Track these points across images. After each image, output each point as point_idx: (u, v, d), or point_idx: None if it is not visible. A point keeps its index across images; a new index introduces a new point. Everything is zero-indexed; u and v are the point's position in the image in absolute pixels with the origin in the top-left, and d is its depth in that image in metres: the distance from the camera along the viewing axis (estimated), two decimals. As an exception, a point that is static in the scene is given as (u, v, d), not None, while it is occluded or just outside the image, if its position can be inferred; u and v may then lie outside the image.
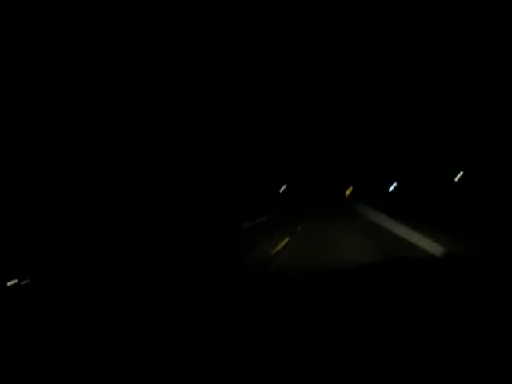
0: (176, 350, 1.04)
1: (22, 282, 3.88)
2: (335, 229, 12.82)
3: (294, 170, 56.43)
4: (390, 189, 44.23)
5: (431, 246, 7.10)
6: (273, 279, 2.24)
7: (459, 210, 18.65)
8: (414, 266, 2.12)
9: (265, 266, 6.08)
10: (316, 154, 57.35)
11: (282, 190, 54.77)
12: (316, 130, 52.91)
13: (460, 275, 1.71)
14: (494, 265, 1.89)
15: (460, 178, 39.26)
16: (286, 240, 9.56)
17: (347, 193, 55.72)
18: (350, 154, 55.88)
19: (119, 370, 0.96)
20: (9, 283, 3.73)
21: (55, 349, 1.06)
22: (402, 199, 31.85)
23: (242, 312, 1.32)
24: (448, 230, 9.73)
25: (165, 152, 14.36)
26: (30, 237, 6.03)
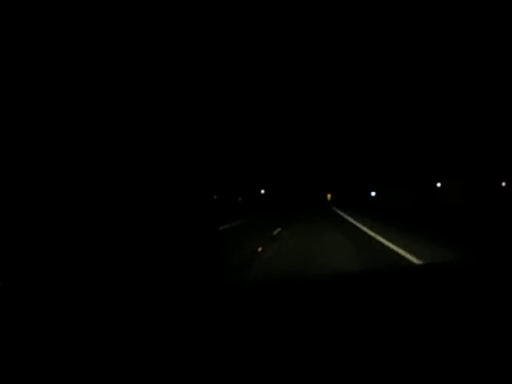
0: (166, 351, 1.06)
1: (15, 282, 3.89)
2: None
3: (275, 176, 56.58)
4: (373, 194, 44.94)
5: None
6: (255, 284, 2.32)
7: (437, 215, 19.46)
8: (397, 275, 2.16)
9: (247, 264, 6.12)
10: (297, 160, 57.77)
11: (262, 192, 54.71)
12: (299, 136, 53.32)
13: (440, 282, 1.77)
14: (474, 272, 1.94)
15: (441, 186, 40.42)
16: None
17: (328, 198, 56.28)
18: (332, 161, 56.62)
19: (117, 370, 0.98)
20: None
21: (54, 348, 1.07)
22: (383, 205, 32.35)
23: (226, 317, 1.34)
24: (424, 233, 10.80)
25: (147, 154, 14.28)
26: (29, 236, 6.02)
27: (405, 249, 7.28)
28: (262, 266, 5.85)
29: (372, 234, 10.58)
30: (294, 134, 53.20)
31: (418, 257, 6.38)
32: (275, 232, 11.14)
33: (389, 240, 8.80)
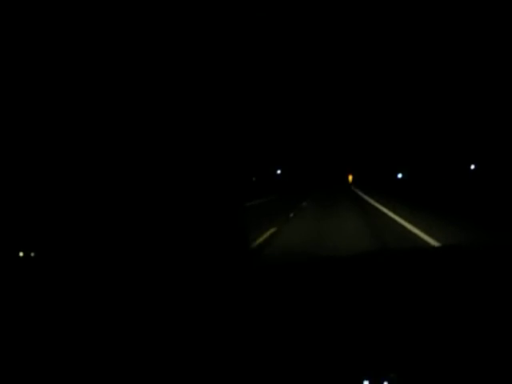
0: (174, 346, 1.07)
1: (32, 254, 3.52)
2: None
3: (292, 155, 55.16)
4: (399, 176, 43.09)
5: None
6: (272, 267, 2.27)
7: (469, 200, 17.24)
8: (410, 257, 2.16)
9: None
10: (316, 139, 56.35)
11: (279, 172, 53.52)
12: (319, 112, 52.03)
13: (456, 267, 1.75)
14: (492, 258, 1.87)
15: (474, 169, 38.90)
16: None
17: (350, 180, 53.92)
18: (354, 141, 54.96)
19: (118, 369, 1.00)
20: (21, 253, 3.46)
21: (54, 348, 1.07)
22: (411, 187, 30.39)
23: (246, 303, 1.35)
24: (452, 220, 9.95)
25: (164, 140, 14.40)
26: (28, 236, 5.97)
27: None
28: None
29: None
30: (313, 110, 51.87)
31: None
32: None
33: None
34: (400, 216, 10.15)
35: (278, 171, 53.70)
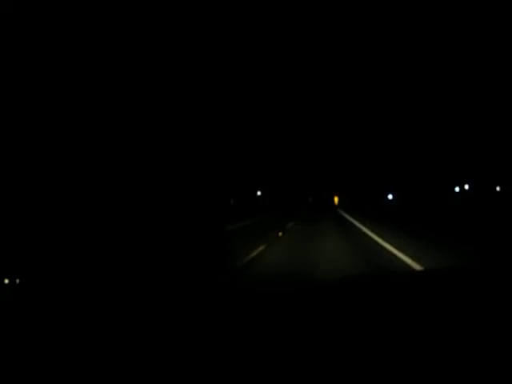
0: (168, 352, 1.15)
1: (17, 281, 3.85)
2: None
3: (273, 175, 54.66)
4: (390, 197, 42.96)
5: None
6: (260, 284, 2.57)
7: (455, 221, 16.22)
8: (399, 280, 2.29)
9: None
10: (298, 159, 56.14)
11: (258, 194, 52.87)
12: (300, 131, 52.14)
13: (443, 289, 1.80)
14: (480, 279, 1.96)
15: (461, 190, 39.65)
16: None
17: (335, 201, 53.09)
18: (339, 160, 54.78)
19: (117, 370, 1.06)
20: (6, 281, 3.72)
21: (54, 348, 1.16)
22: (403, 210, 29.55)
23: (233, 317, 1.44)
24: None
25: (151, 155, 14.36)
26: (28, 236, 6.35)
27: None
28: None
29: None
30: (294, 128, 51.92)
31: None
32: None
33: None
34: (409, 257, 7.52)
35: (258, 193, 52.88)
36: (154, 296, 1.77)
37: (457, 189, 37.96)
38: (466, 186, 35.69)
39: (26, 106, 8.12)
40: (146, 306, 1.56)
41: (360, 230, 14.35)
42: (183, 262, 6.74)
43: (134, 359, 1.07)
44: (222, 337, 1.22)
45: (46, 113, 8.67)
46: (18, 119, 7.76)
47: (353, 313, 1.44)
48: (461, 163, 33.06)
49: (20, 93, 7.93)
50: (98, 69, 9.89)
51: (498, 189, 33.04)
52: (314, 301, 1.64)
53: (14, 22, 7.53)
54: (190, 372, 1.02)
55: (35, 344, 1.16)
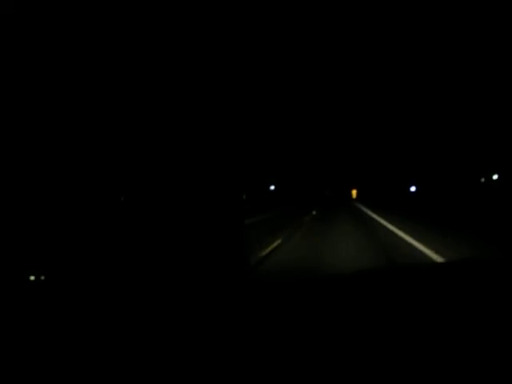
0: (175, 351, 1.15)
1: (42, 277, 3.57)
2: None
3: (288, 169, 53.60)
4: (412, 189, 41.58)
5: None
6: (275, 281, 2.39)
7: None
8: (413, 272, 2.25)
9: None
10: (315, 151, 55.09)
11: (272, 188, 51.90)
12: (317, 121, 51.20)
13: (459, 281, 1.81)
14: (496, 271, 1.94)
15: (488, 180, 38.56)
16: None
17: (354, 195, 51.65)
18: (358, 151, 53.46)
19: (119, 370, 1.06)
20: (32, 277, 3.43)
21: (54, 348, 1.16)
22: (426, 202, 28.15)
23: (246, 313, 1.45)
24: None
25: (162, 150, 15.02)
26: (28, 237, 6.46)
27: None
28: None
29: None
30: (311, 120, 50.95)
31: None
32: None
33: None
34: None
35: (272, 187, 51.81)
36: (165, 291, 1.76)
37: (495, 177, 36.25)
38: (495, 176, 34.57)
39: (26, 106, 7.99)
40: (156, 300, 1.54)
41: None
42: (197, 257, 6.73)
43: (141, 354, 1.05)
44: (232, 331, 1.20)
45: (46, 113, 8.55)
46: (17, 119, 7.64)
47: (365, 307, 1.43)
48: (487, 153, 32.10)
49: (20, 93, 7.77)
50: (98, 69, 9.77)
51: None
52: (328, 296, 1.65)
53: (13, 22, 7.34)
54: (200, 367, 1.01)
55: (47, 343, 1.14)
